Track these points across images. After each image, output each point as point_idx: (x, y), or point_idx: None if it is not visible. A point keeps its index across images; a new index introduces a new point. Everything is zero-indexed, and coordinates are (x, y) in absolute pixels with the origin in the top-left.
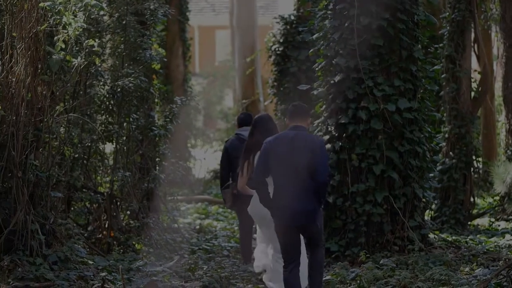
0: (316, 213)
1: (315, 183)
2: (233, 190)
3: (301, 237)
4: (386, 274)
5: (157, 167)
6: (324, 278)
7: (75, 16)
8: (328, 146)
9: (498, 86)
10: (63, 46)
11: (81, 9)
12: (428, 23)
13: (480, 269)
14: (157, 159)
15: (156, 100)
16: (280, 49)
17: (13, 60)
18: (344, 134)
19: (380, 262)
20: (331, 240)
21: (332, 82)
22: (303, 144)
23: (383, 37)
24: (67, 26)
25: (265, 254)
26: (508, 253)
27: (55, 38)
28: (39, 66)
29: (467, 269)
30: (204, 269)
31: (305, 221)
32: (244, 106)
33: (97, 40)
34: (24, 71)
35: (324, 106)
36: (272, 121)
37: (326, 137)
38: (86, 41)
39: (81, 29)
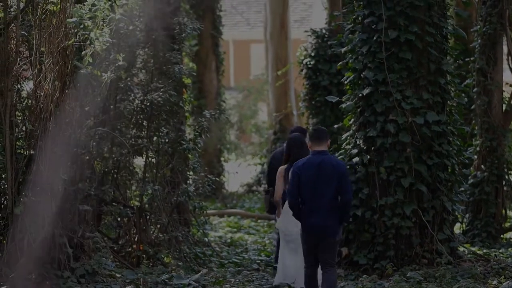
0: (337, 229)
1: (343, 201)
2: (271, 197)
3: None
4: (413, 287)
5: (187, 181)
6: None
7: (102, 30)
8: (357, 159)
9: None
10: (91, 60)
11: (108, 24)
12: (457, 36)
13: (508, 281)
14: (187, 173)
15: (186, 114)
16: (312, 62)
17: (42, 75)
18: (373, 147)
19: (407, 275)
20: (360, 253)
21: (360, 95)
22: (330, 168)
23: (411, 51)
24: (93, 41)
25: (289, 268)
26: None
27: (83, 53)
28: (67, 80)
29: (495, 282)
30: (232, 282)
31: (327, 235)
32: (278, 120)
33: (122, 54)
34: (52, 86)
35: (352, 120)
36: (304, 141)
37: (355, 150)
38: (112, 56)
39: (108, 44)
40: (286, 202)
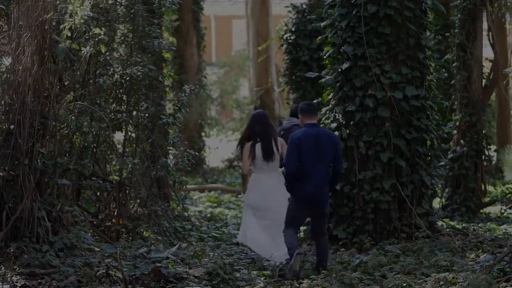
0: (328, 197)
1: (336, 171)
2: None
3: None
4: (391, 260)
5: (167, 156)
6: (328, 265)
7: (82, 4)
8: (336, 133)
9: None
10: (69, 34)
11: None
12: (436, 11)
13: (485, 255)
14: (167, 148)
15: (166, 89)
16: (292, 37)
17: (20, 49)
18: (352, 122)
19: (386, 249)
20: (339, 227)
21: (339, 70)
22: (327, 138)
23: (390, 25)
24: (73, 15)
25: (264, 245)
26: None
27: (61, 26)
28: (46, 54)
29: (472, 255)
30: (211, 256)
31: (323, 203)
32: (259, 95)
33: (103, 28)
34: (30, 60)
35: (331, 94)
36: (267, 118)
37: (334, 124)
38: (93, 30)
39: (86, 18)
40: (253, 176)
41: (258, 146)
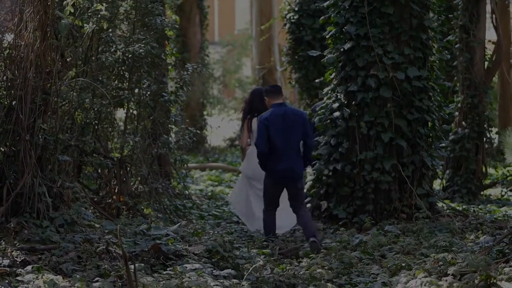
0: (302, 172)
1: (306, 146)
2: None
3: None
4: (391, 240)
5: (168, 133)
6: (328, 244)
7: None
8: (337, 113)
9: None
10: (72, 10)
11: None
12: None
13: (484, 236)
14: (168, 126)
15: (169, 67)
16: (295, 17)
17: (22, 24)
18: (353, 102)
19: (385, 229)
20: (339, 207)
21: (342, 49)
22: (294, 117)
23: (393, 5)
24: None
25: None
26: None
27: (64, 2)
28: (48, 30)
29: (472, 237)
30: (211, 233)
31: (296, 178)
32: (261, 74)
33: (105, 5)
34: (33, 35)
35: (333, 74)
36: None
37: (336, 104)
38: (94, 6)
39: None
40: (250, 148)
41: (255, 121)
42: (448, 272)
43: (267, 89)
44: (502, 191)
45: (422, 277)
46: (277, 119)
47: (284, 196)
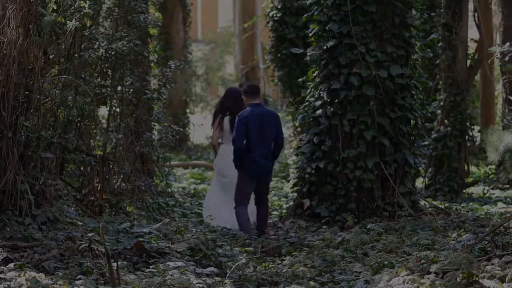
0: (272, 168)
1: (277, 145)
2: None
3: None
4: (373, 238)
5: (151, 131)
6: (311, 242)
7: None
8: (320, 111)
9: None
10: (55, 7)
11: None
12: None
13: (467, 235)
14: (151, 123)
15: (151, 64)
16: (278, 15)
17: (5, 21)
18: (336, 100)
19: (368, 227)
20: (321, 205)
21: (324, 47)
22: (269, 117)
23: (376, 3)
24: None
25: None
26: (498, 220)
27: None
28: (31, 27)
29: (454, 235)
30: (193, 231)
31: (267, 174)
32: (244, 72)
33: (88, 2)
34: (15, 32)
35: (316, 72)
36: (239, 93)
37: (318, 102)
38: (77, 3)
39: None
40: (222, 146)
41: (226, 120)
42: (431, 270)
43: (246, 89)
44: (484, 189)
45: (405, 275)
46: (255, 118)
47: None
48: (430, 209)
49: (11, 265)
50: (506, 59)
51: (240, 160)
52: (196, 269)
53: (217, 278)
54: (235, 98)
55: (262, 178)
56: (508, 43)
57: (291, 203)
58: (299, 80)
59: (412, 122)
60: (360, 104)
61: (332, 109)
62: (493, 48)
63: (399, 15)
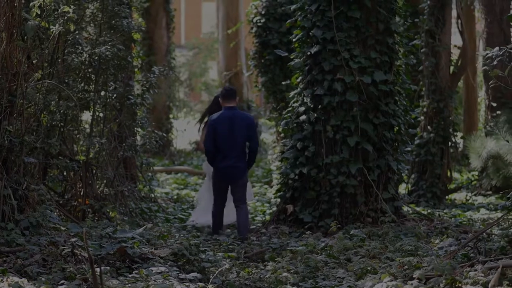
0: (245, 171)
1: (251, 149)
2: None
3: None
4: (356, 244)
5: (134, 136)
6: (294, 248)
7: None
8: (304, 117)
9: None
10: (39, 12)
11: None
12: None
13: (449, 240)
14: (134, 128)
15: (135, 69)
16: (262, 21)
17: None
18: (320, 106)
19: (351, 233)
20: (305, 211)
21: (308, 53)
22: (240, 121)
23: (360, 9)
24: None
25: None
26: (481, 226)
27: (31, 4)
28: (15, 32)
29: (437, 241)
30: (176, 237)
31: (238, 176)
32: (227, 78)
33: (72, 6)
34: None
35: (300, 78)
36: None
37: (302, 108)
38: (62, 8)
39: None
40: None
41: None
42: (414, 276)
43: (222, 92)
44: (466, 195)
45: (388, 281)
46: (224, 121)
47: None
48: (413, 215)
49: None
50: (495, 63)
51: (211, 161)
52: (179, 274)
53: (200, 284)
54: (217, 103)
55: (231, 180)
56: (497, 47)
57: (274, 208)
58: (283, 83)
59: (396, 128)
60: (343, 110)
61: (315, 115)
62: (481, 52)
63: (383, 22)
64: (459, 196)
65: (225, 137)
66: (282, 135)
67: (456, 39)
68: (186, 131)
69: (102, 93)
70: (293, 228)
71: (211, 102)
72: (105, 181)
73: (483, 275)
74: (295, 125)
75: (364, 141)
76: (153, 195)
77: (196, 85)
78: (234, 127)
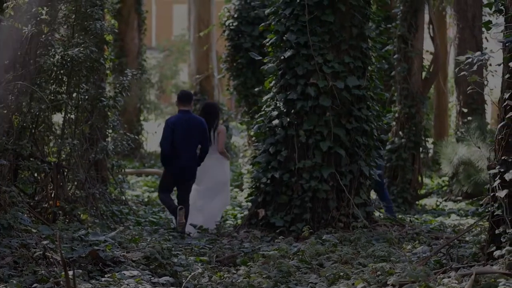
0: (195, 170)
1: (203, 149)
2: None
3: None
4: (329, 249)
5: (106, 139)
6: (266, 252)
7: None
8: (276, 121)
9: (451, 68)
10: (12, 13)
11: None
12: (380, 2)
13: (422, 247)
14: (106, 131)
15: (107, 71)
16: (234, 24)
17: None
18: (293, 110)
19: (323, 238)
20: (276, 215)
21: (282, 57)
22: (196, 124)
23: (334, 14)
24: None
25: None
26: (452, 232)
27: (5, 5)
28: None
29: (409, 247)
30: (148, 240)
31: (189, 177)
32: (198, 81)
33: (45, 8)
34: None
35: (273, 82)
36: (215, 108)
37: (275, 112)
38: (35, 9)
39: None
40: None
41: None
42: (388, 282)
43: (179, 95)
44: (437, 201)
45: (361, 287)
46: (182, 124)
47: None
48: (385, 220)
49: None
50: (475, 68)
51: (164, 161)
52: (152, 278)
53: None
54: (208, 113)
55: (181, 179)
56: (479, 52)
57: (246, 212)
58: (255, 89)
59: (368, 133)
60: (316, 115)
61: (288, 119)
62: (460, 57)
63: (357, 26)
64: (430, 202)
65: (182, 138)
66: (253, 138)
67: (428, 45)
68: (157, 133)
69: (74, 95)
70: (265, 232)
71: (200, 112)
72: (76, 183)
73: (456, 282)
74: (267, 129)
75: (337, 146)
76: (124, 198)
77: (167, 88)
78: (190, 130)
